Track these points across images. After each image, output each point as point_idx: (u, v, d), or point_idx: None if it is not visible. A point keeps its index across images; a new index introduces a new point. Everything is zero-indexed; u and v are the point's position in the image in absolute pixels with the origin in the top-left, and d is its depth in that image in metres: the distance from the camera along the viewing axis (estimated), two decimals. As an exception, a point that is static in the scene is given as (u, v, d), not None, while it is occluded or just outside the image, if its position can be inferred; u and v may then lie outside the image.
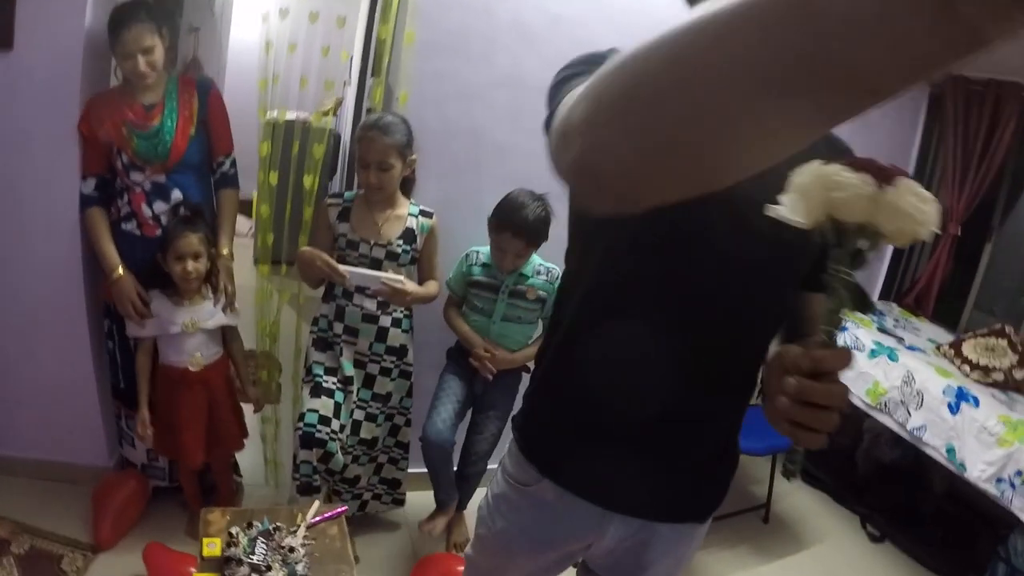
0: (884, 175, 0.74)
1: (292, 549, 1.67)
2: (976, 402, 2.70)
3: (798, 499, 3.44)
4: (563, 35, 2.51)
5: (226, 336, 2.42)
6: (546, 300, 2.46)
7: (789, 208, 0.78)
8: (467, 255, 2.49)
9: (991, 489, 2.56)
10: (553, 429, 1.23)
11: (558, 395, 1.22)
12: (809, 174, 0.78)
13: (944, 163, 3.57)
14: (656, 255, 1.06)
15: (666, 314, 1.07)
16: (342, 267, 2.18)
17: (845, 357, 0.82)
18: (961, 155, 3.47)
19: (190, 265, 2.19)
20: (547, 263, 2.46)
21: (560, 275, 2.42)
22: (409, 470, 2.69)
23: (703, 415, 1.16)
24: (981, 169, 3.40)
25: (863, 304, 0.84)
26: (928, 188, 3.58)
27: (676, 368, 1.09)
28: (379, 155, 2.18)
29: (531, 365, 2.49)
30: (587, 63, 0.92)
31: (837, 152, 1.11)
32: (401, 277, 2.21)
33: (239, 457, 2.67)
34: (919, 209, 0.74)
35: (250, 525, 1.74)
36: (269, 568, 1.62)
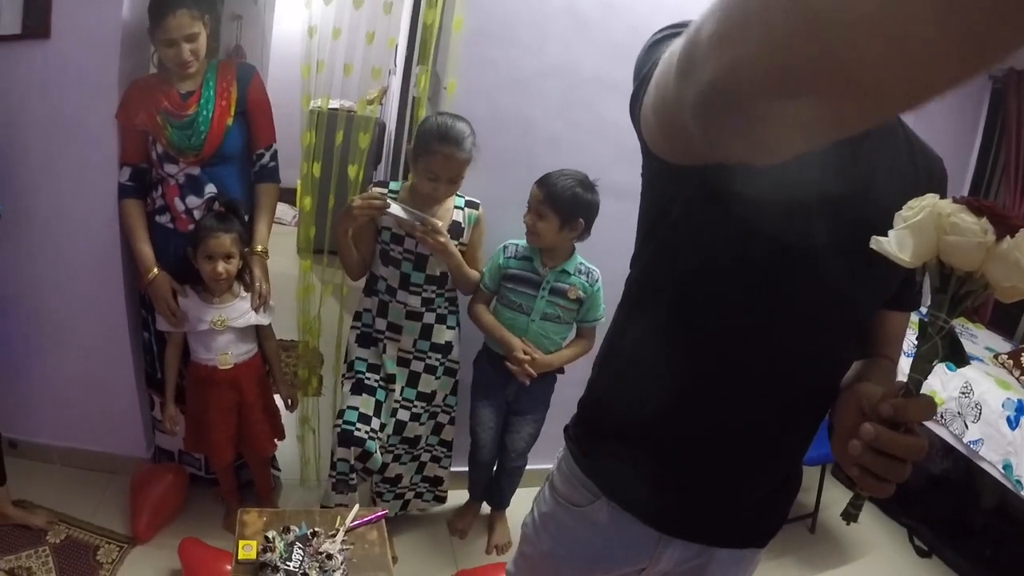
0: (1005, 224, 0.67)
1: (330, 556, 1.61)
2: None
3: (846, 509, 3.31)
4: (617, 23, 2.41)
5: (260, 334, 2.36)
6: (584, 302, 2.34)
7: (896, 244, 0.72)
8: (504, 247, 2.37)
9: (1047, 509, 2.44)
10: (615, 444, 1.15)
11: (624, 408, 1.14)
12: (924, 210, 0.71)
13: (1006, 160, 3.42)
14: (755, 274, 0.97)
15: (753, 334, 0.99)
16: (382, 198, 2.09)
17: (928, 408, 0.78)
18: (1024, 152, 3.32)
19: (220, 266, 2.12)
20: (588, 263, 2.34)
21: (599, 277, 2.33)
22: (452, 468, 2.64)
23: (777, 440, 1.09)
24: (1045, 167, 3.25)
25: (957, 356, 0.78)
26: (989, 186, 3.41)
27: (756, 391, 1.01)
28: (454, 171, 2.09)
29: (565, 368, 2.42)
30: (678, 27, 0.83)
31: (932, 178, 1.02)
32: (439, 223, 2.12)
33: (279, 451, 2.62)
34: None
35: (287, 529, 1.68)
36: None
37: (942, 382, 2.90)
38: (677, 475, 1.09)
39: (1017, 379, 2.90)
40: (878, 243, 0.74)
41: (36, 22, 2.08)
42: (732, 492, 1.10)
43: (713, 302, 1.01)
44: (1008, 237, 0.67)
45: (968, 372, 2.84)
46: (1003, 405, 2.66)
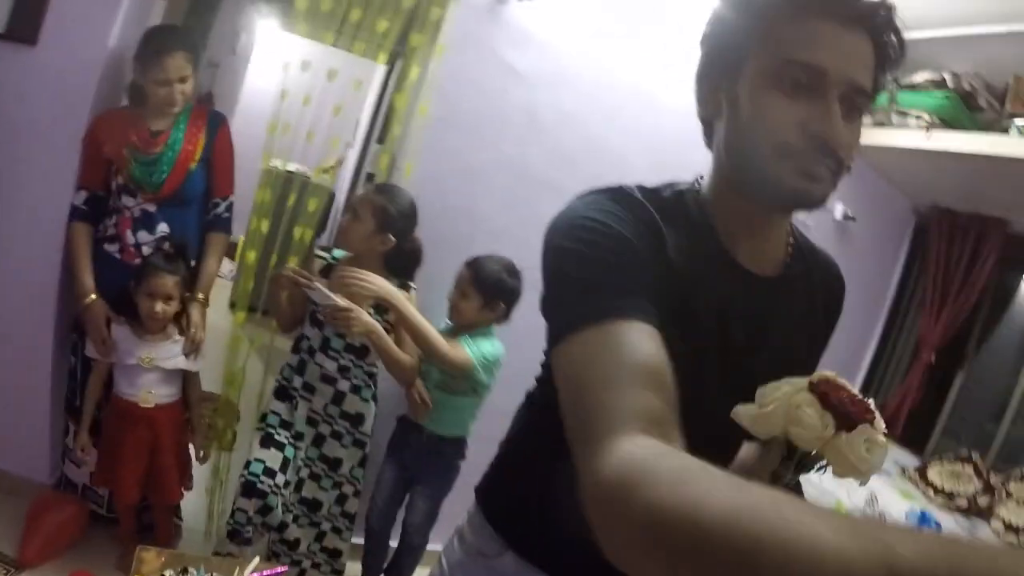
0: (846, 420, 0.78)
1: (220, 607, 1.63)
2: (939, 527, 2.67)
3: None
4: (569, 131, 2.58)
5: (186, 381, 2.38)
6: (478, 384, 2.37)
7: (751, 420, 0.82)
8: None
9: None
10: (523, 504, 1.18)
11: (531, 472, 1.16)
12: (777, 397, 0.81)
13: (924, 290, 3.59)
14: None
15: None
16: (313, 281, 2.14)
17: None
18: (941, 284, 3.46)
19: (159, 306, 2.16)
20: (495, 350, 2.38)
21: (500, 353, 2.36)
22: (353, 540, 2.61)
23: None
24: (960, 299, 3.40)
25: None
26: (907, 314, 3.51)
27: None
28: (360, 206, 2.20)
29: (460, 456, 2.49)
30: (591, 245, 0.87)
31: (829, 302, 1.13)
32: (354, 306, 2.10)
33: (185, 500, 2.59)
34: (862, 460, 0.78)
35: (185, 571, 1.70)
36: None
37: (848, 492, 3.01)
38: (582, 538, 1.12)
39: (923, 492, 3.01)
40: (737, 413, 0.84)
41: (24, 26, 2.09)
42: None
43: None
44: (845, 432, 0.78)
45: (873, 483, 2.94)
46: (906, 515, 2.75)
